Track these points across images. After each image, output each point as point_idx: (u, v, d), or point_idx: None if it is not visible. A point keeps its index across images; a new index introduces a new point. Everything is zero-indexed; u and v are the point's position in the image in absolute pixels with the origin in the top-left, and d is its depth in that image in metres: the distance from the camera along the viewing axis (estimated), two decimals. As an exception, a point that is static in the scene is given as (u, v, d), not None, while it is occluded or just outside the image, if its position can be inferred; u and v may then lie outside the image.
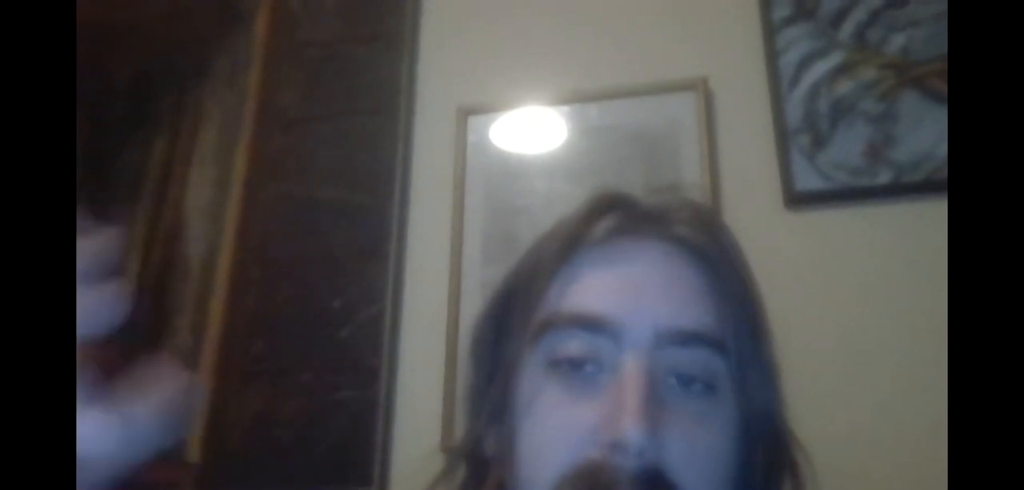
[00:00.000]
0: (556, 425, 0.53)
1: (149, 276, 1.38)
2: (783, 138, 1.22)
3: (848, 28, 1.27)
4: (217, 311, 1.33)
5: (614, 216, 0.59)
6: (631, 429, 0.50)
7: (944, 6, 1.23)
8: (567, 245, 0.58)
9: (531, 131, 1.34)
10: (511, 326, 0.59)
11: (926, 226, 1.12)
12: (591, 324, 0.54)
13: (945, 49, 1.21)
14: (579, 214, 0.60)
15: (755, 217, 1.20)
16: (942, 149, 1.16)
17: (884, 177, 1.17)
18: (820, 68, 1.25)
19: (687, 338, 0.54)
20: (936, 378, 0.94)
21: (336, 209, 1.36)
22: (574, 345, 0.54)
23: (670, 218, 0.59)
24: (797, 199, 1.20)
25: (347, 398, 1.23)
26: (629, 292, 0.55)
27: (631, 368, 0.52)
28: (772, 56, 1.28)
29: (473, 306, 1.21)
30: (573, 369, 0.54)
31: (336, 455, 1.20)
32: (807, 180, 1.20)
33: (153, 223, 1.42)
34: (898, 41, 1.24)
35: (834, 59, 1.25)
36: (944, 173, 1.14)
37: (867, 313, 1.12)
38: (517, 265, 0.62)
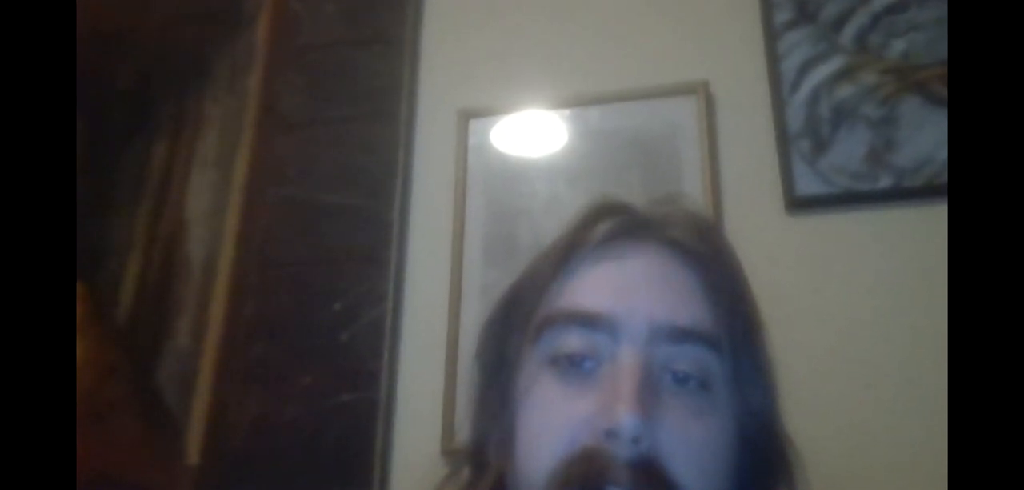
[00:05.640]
0: (553, 416, 0.54)
1: (150, 279, 1.38)
2: (784, 142, 1.22)
3: (849, 33, 1.27)
4: (217, 314, 1.33)
5: (611, 221, 0.60)
6: (625, 416, 0.51)
7: (944, 11, 1.23)
8: (566, 249, 0.60)
9: (532, 134, 1.34)
10: (513, 331, 0.60)
11: (927, 230, 1.12)
12: (588, 320, 0.55)
13: (946, 54, 1.21)
14: (577, 220, 0.61)
15: (756, 221, 1.20)
16: (943, 153, 1.16)
17: (885, 181, 1.17)
18: (821, 72, 1.25)
19: (682, 335, 0.55)
20: (937, 382, 0.94)
21: (337, 212, 1.36)
22: (572, 341, 0.56)
23: (665, 223, 0.60)
24: (798, 203, 1.19)
25: (347, 401, 1.23)
26: (625, 289, 0.56)
27: (626, 359, 0.53)
28: (773, 60, 1.28)
29: (474, 309, 1.21)
30: (571, 365, 0.55)
31: (336, 459, 1.20)
32: (808, 184, 1.20)
33: (154, 226, 1.42)
34: (899, 46, 1.24)
35: (835, 64, 1.25)
36: (945, 178, 1.14)
37: (868, 317, 1.12)
38: (520, 275, 0.64)
